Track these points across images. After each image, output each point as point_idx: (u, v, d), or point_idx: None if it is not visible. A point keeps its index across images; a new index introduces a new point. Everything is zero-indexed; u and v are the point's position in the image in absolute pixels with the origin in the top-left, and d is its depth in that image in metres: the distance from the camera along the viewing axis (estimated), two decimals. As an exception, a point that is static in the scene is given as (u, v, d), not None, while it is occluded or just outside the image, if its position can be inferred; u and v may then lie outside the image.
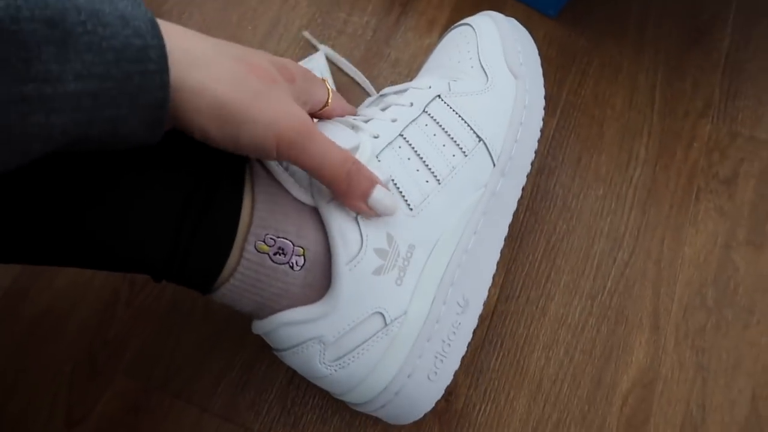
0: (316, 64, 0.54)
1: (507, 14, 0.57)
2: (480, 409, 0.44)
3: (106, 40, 0.23)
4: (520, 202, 0.49)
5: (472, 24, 0.45)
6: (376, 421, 0.43)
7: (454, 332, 0.38)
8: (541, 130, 0.50)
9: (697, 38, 0.55)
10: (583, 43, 0.55)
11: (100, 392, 0.45)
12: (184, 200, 0.31)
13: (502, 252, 0.47)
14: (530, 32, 0.56)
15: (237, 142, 0.29)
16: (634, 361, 0.44)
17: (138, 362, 0.45)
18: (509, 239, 0.48)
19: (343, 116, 0.39)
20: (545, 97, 0.53)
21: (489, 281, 0.40)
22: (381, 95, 0.44)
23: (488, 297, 0.46)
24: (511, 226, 0.48)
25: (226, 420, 0.44)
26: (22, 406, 0.44)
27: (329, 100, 0.38)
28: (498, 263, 0.47)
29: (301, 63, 0.54)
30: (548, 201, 0.49)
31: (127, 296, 0.47)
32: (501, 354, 0.44)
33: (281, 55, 0.56)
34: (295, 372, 0.45)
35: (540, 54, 0.55)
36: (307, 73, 0.35)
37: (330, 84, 0.54)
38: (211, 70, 0.28)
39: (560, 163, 0.50)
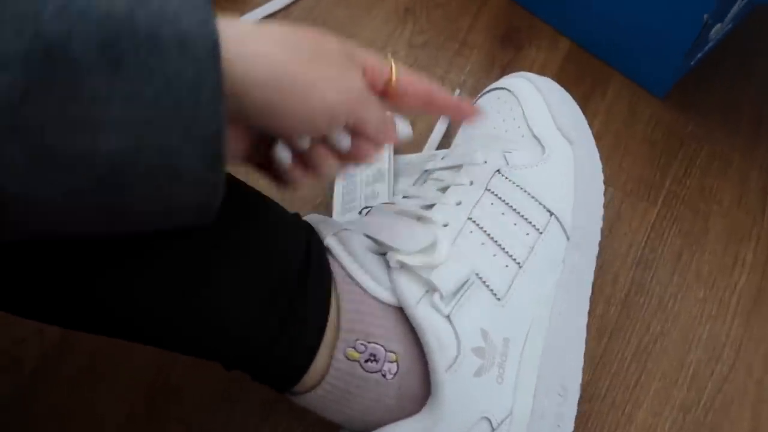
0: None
1: (612, 90, 0.54)
2: None
3: (159, 66, 0.22)
4: (612, 294, 0.46)
5: (509, 88, 0.42)
6: None
7: (558, 425, 0.35)
8: (608, 203, 0.47)
9: (816, 139, 0.52)
10: (691, 129, 0.52)
11: (153, 438, 0.43)
12: (267, 300, 0.30)
13: (588, 347, 0.44)
14: (636, 112, 0.53)
15: (305, 116, 0.27)
16: (727, 490, 0.40)
17: (196, 413, 0.43)
18: (599, 333, 0.45)
19: (418, 97, 0.33)
20: (647, 183, 0.50)
21: (581, 362, 0.37)
22: (426, 171, 0.42)
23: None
24: (602, 319, 0.45)
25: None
26: (71, 442, 0.43)
27: (393, 78, 0.31)
28: (585, 357, 0.43)
29: None
30: (643, 297, 0.46)
31: (191, 339, 0.46)
32: (579, 460, 0.41)
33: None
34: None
35: (645, 136, 0.52)
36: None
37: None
38: (261, 38, 0.25)
39: (659, 257, 0.47)
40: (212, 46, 0.22)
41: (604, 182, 0.49)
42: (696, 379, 0.43)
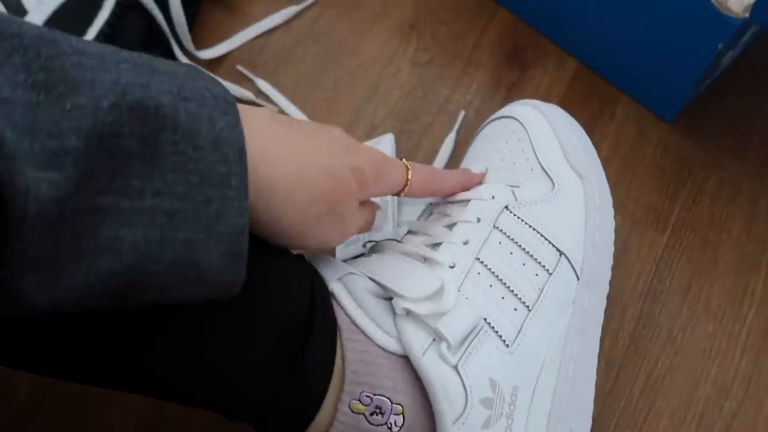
0: (383, 147, 0.51)
1: (621, 112, 0.53)
2: None
3: (193, 162, 0.23)
4: (620, 327, 0.45)
5: (517, 117, 0.42)
6: None
7: None
8: (616, 231, 0.46)
9: (827, 166, 0.51)
10: (700, 154, 0.51)
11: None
12: (271, 351, 0.29)
13: (597, 381, 0.43)
14: (644, 136, 0.52)
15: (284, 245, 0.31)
16: None
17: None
18: (607, 367, 0.44)
19: (428, 194, 0.38)
20: (655, 211, 0.49)
21: (591, 407, 0.37)
22: (431, 203, 0.41)
23: None
24: (610, 352, 0.44)
25: None
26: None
27: (405, 188, 0.36)
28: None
29: (368, 143, 0.51)
30: (652, 330, 0.45)
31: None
32: (586, 500, 0.40)
33: (377, 126, 0.53)
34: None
35: (653, 161, 0.51)
36: (381, 172, 0.34)
37: None
38: (288, 194, 0.28)
39: (667, 289, 0.46)
40: (240, 148, 0.24)
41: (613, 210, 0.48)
42: (705, 417, 0.42)
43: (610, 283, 0.46)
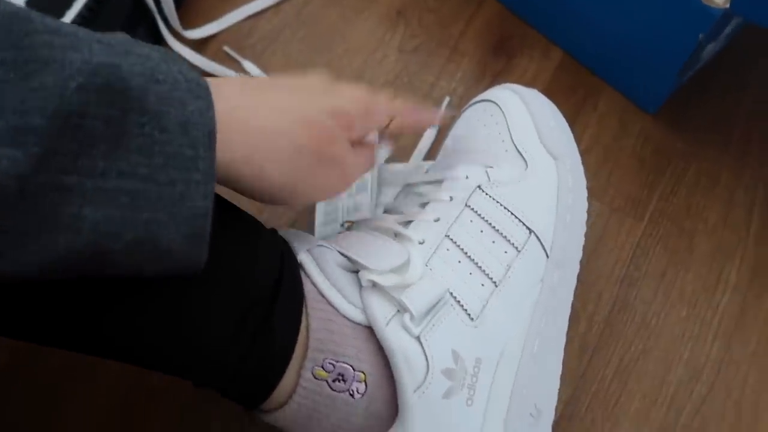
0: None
1: (604, 102, 0.54)
2: None
3: (159, 144, 0.23)
4: (595, 311, 0.46)
5: (495, 101, 0.42)
6: None
7: None
8: (588, 212, 0.47)
9: (803, 159, 0.52)
10: (680, 146, 0.52)
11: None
12: (238, 319, 0.30)
13: (569, 365, 0.44)
14: (626, 127, 0.53)
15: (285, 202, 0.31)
16: None
17: (175, 416, 0.43)
18: (581, 350, 0.44)
19: (417, 127, 0.40)
20: (634, 200, 0.50)
21: (557, 384, 0.37)
22: (408, 185, 0.41)
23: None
24: (584, 336, 0.45)
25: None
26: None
27: (390, 124, 0.36)
28: (566, 375, 0.43)
29: None
30: (626, 315, 0.46)
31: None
32: (557, 479, 0.41)
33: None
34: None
35: (634, 151, 0.52)
36: (368, 111, 0.34)
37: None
38: (268, 148, 0.28)
39: (643, 275, 0.47)
40: (209, 131, 0.24)
41: (592, 197, 0.49)
42: (675, 400, 0.43)
43: (588, 267, 0.47)
